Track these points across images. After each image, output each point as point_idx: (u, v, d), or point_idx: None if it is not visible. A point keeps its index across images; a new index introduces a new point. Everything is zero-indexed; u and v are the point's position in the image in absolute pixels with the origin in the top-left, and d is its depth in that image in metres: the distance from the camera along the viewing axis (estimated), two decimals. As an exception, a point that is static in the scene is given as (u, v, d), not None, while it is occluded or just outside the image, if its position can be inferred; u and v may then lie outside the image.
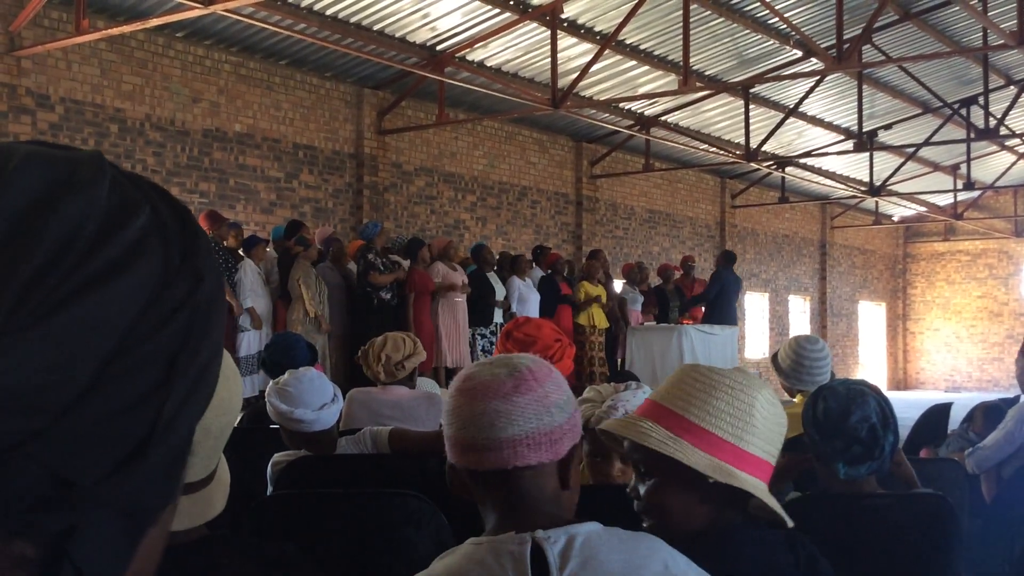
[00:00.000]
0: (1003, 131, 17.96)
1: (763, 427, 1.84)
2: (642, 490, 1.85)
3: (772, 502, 1.81)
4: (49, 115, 10.66)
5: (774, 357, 4.38)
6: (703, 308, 14.81)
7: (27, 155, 0.52)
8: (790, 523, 1.81)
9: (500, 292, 12.53)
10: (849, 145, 19.21)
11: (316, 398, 3.32)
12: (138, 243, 0.52)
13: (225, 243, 10.35)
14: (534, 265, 13.60)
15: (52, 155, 0.53)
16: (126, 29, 10.32)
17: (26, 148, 0.53)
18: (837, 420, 2.62)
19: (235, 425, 1.97)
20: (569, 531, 1.44)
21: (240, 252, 10.57)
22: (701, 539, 1.77)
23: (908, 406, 8.91)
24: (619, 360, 14.03)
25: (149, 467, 0.52)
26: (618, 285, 15.09)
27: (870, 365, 26.42)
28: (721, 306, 14.37)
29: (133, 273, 0.51)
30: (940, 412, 6.68)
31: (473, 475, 1.53)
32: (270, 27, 10.89)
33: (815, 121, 18.94)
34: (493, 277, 12.58)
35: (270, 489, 3.43)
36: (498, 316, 12.35)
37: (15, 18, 10.17)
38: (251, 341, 10.13)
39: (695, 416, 1.80)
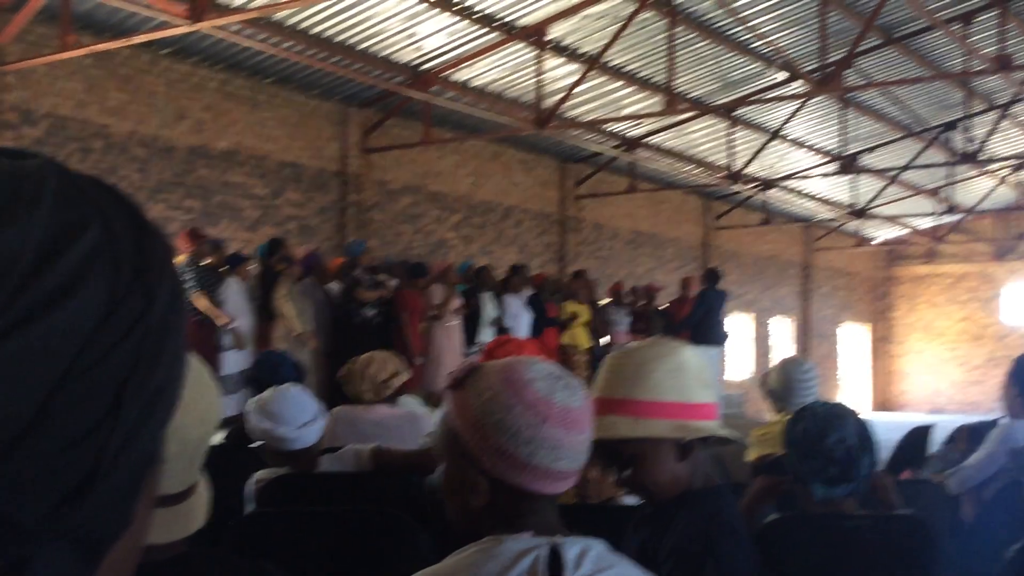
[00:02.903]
0: (984, 155, 18.11)
1: (698, 377, 2.07)
2: (627, 475, 2.04)
3: (726, 433, 2.13)
4: (33, 131, 10.63)
5: (763, 379, 4.46)
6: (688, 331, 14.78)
7: None
8: (734, 438, 2.23)
9: (489, 311, 12.54)
10: (832, 168, 19.34)
11: (298, 415, 3.31)
12: (81, 268, 0.49)
13: (207, 260, 10.24)
14: (523, 285, 13.59)
15: None
16: (112, 45, 10.31)
17: None
18: (814, 440, 2.64)
19: (216, 442, 1.97)
20: (584, 542, 1.46)
21: (226, 269, 10.50)
22: (698, 498, 2.03)
23: (890, 428, 8.94)
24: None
25: (96, 499, 0.50)
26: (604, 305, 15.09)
27: (852, 387, 26.49)
28: (708, 327, 14.35)
29: (74, 303, 0.48)
30: (922, 433, 6.70)
31: (521, 493, 1.49)
32: (256, 45, 10.90)
33: (798, 143, 19.05)
34: (488, 296, 12.60)
35: (252, 507, 3.42)
36: (484, 335, 12.35)
37: (0, 33, 10.15)
38: (235, 360, 10.08)
39: (641, 393, 2.01)
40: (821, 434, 2.64)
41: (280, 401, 3.32)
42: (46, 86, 10.77)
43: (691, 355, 2.10)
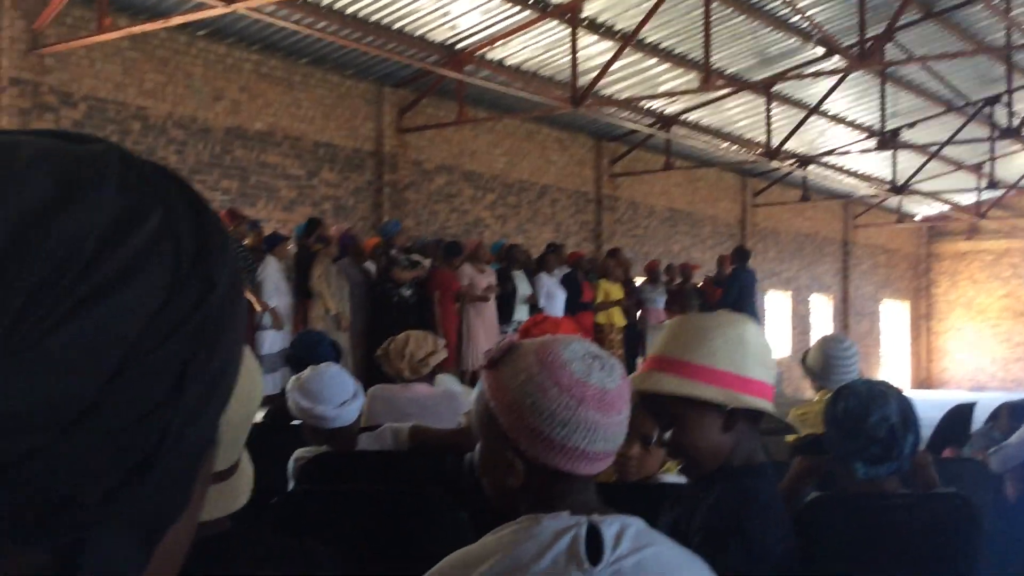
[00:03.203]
0: (1027, 130, 17.82)
1: (757, 354, 2.05)
2: (668, 436, 2.04)
3: (775, 412, 2.07)
4: (72, 112, 10.74)
5: (803, 357, 4.43)
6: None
7: (32, 158, 0.50)
8: (798, 431, 2.23)
9: (523, 289, 12.54)
10: (872, 143, 19.12)
11: (337, 394, 3.33)
12: (144, 252, 0.49)
13: (246, 241, 10.37)
14: (555, 262, 13.57)
15: (59, 156, 0.50)
16: (148, 27, 10.38)
17: (35, 145, 0.51)
18: (856, 420, 2.61)
19: (256, 420, 1.98)
20: (622, 520, 1.45)
21: (263, 249, 10.58)
22: (735, 474, 2.01)
23: (931, 406, 8.85)
24: (639, 359, 14.01)
25: (156, 481, 0.50)
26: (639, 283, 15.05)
27: (893, 365, 26.28)
28: (742, 307, 14.25)
29: (137, 285, 0.48)
30: (964, 411, 6.64)
31: (556, 474, 1.48)
32: (291, 26, 10.93)
33: (837, 119, 18.85)
34: (518, 275, 12.60)
35: (292, 485, 3.45)
36: (520, 313, 12.35)
37: (39, 16, 10.24)
38: (273, 340, 10.16)
39: (697, 358, 2.00)
40: (864, 413, 2.60)
41: (319, 380, 3.33)
42: (84, 68, 10.86)
43: (754, 331, 2.09)
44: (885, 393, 2.65)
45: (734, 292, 14.33)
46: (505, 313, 12.25)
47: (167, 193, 0.53)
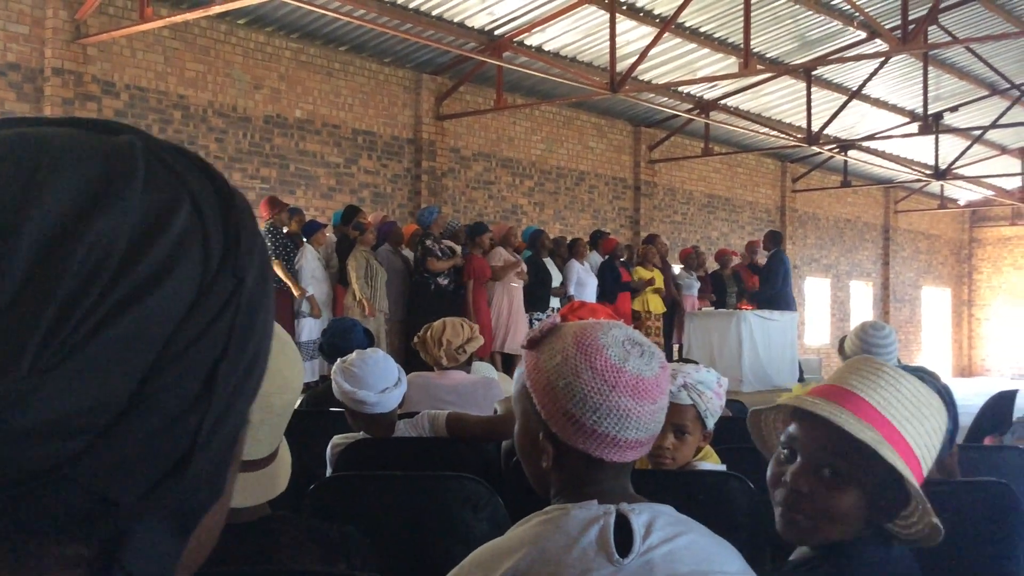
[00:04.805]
0: (1074, 113, 17.53)
1: (935, 449, 1.69)
2: (805, 483, 1.63)
3: (936, 521, 1.63)
4: (114, 102, 10.85)
5: (840, 344, 4.39)
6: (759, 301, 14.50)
7: (58, 159, 0.49)
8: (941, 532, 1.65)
9: (556, 277, 12.52)
10: (914, 128, 18.86)
11: (379, 381, 3.34)
12: (173, 252, 0.49)
13: (286, 229, 10.44)
14: (592, 250, 13.55)
15: (85, 154, 0.50)
16: (189, 16, 10.46)
17: (61, 142, 0.51)
18: (896, 407, 2.58)
19: (296, 407, 2.00)
20: (652, 508, 1.43)
21: (301, 237, 10.65)
22: (833, 548, 1.65)
23: (973, 393, 8.76)
24: (676, 346, 13.96)
25: (193, 475, 0.51)
26: (676, 270, 14.99)
27: (934, 351, 26.00)
28: (785, 291, 14.09)
29: (168, 287, 0.48)
30: (1006, 399, 6.55)
31: (588, 460, 1.45)
32: (330, 13, 10.96)
33: (879, 103, 18.63)
34: (549, 262, 12.58)
35: (329, 471, 3.48)
36: (555, 301, 12.34)
37: (81, 6, 10.35)
38: (311, 327, 10.22)
39: (908, 432, 1.63)
40: (902, 400, 2.57)
41: (363, 365, 3.34)
42: (126, 58, 10.97)
43: (941, 413, 1.73)
44: (922, 380, 2.62)
45: (780, 275, 14.07)
46: (536, 301, 12.21)
47: (193, 185, 0.53)
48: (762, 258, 14.72)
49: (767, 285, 14.14)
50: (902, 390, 1.67)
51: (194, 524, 0.54)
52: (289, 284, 10.07)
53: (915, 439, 1.63)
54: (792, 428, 1.68)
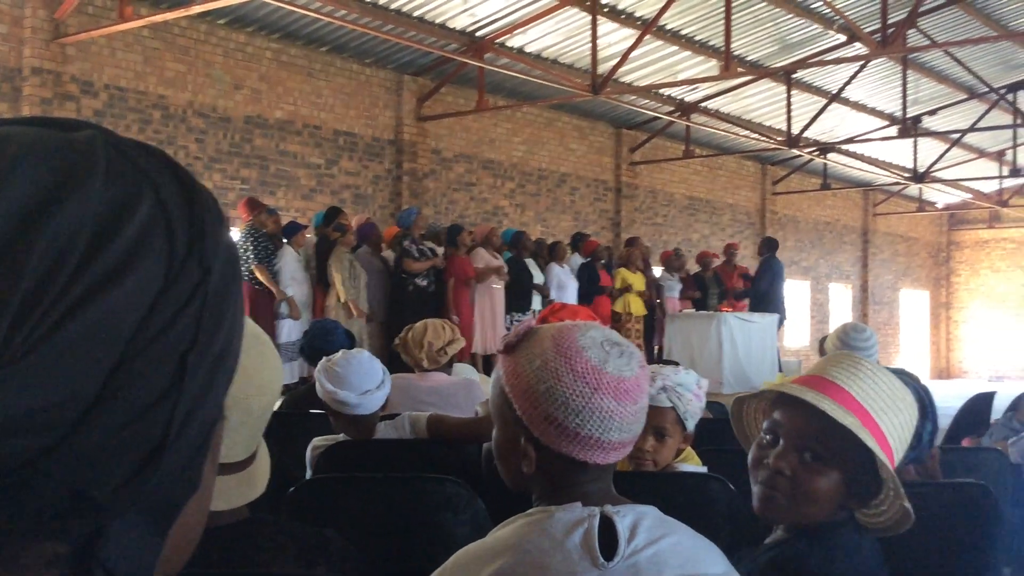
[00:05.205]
0: (1051, 117, 17.66)
1: (906, 432, 1.78)
2: (786, 464, 1.72)
3: (907, 505, 1.72)
4: (93, 102, 10.79)
5: (821, 345, 4.41)
6: (749, 300, 14.62)
7: (18, 153, 0.49)
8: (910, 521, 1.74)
9: (538, 278, 12.53)
10: (893, 131, 18.98)
11: (362, 382, 3.32)
12: (137, 243, 0.49)
13: (265, 230, 10.40)
14: (573, 252, 13.58)
15: (45, 148, 0.50)
16: (169, 16, 10.41)
17: (21, 138, 0.50)
18: (875, 409, 2.59)
19: (275, 408, 1.99)
20: (637, 509, 1.42)
21: (281, 238, 10.62)
22: (807, 530, 1.74)
23: (951, 395, 8.82)
24: (656, 348, 14.00)
25: (167, 468, 0.50)
26: (657, 272, 15.02)
27: (912, 353, 26.15)
28: (773, 296, 14.21)
29: (132, 278, 0.48)
30: (983, 401, 6.60)
31: (571, 462, 1.44)
32: (311, 13, 10.94)
33: (858, 107, 18.74)
34: (531, 263, 12.59)
35: (309, 473, 3.46)
36: (536, 302, 12.35)
37: (60, 5, 10.29)
38: (291, 328, 10.19)
39: (885, 422, 1.72)
40: (882, 402, 2.59)
41: (347, 365, 3.33)
42: (105, 57, 10.91)
43: (915, 415, 1.82)
44: (903, 382, 2.64)
45: (766, 280, 14.24)
46: (518, 302, 12.23)
47: (156, 178, 0.52)
48: (743, 260, 14.85)
49: (752, 286, 14.39)
50: (879, 384, 1.76)
51: (172, 520, 0.54)
52: (270, 285, 10.04)
53: (889, 430, 1.72)
54: (776, 414, 1.78)
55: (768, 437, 1.78)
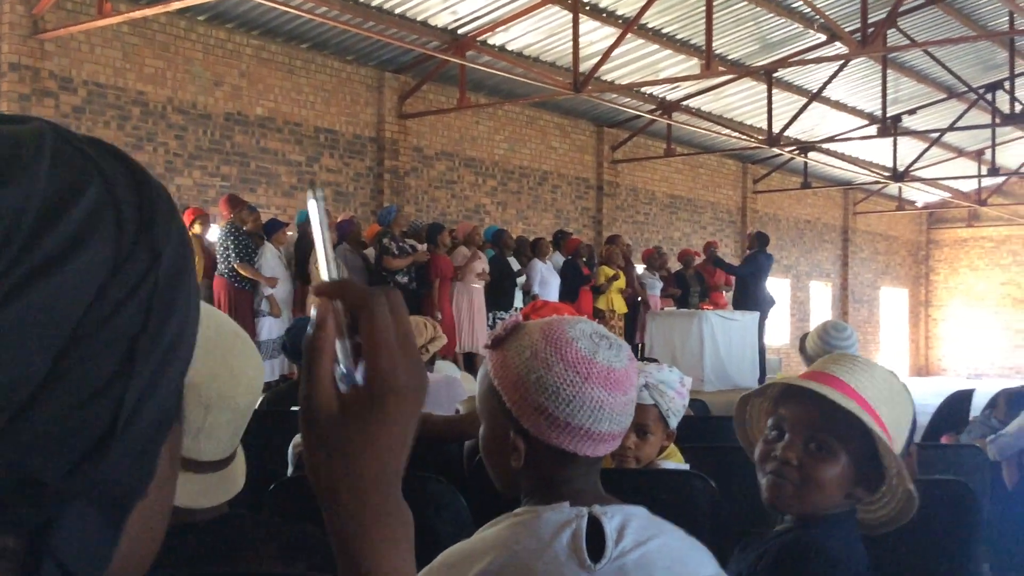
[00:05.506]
0: (1029, 116, 17.77)
1: (903, 423, 1.88)
2: (794, 455, 1.80)
3: (911, 487, 1.81)
4: (72, 98, 10.71)
5: (801, 343, 4.43)
6: (731, 291, 14.63)
7: None
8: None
9: (518, 275, 12.52)
10: (873, 130, 19.08)
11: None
12: (84, 226, 0.49)
13: (246, 227, 10.34)
14: (554, 250, 13.58)
15: None
16: (148, 12, 10.35)
17: None
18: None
19: (256, 407, 1.98)
20: (625, 510, 1.41)
21: (262, 236, 10.57)
22: (815, 520, 1.81)
23: (930, 392, 8.88)
24: (638, 345, 14.02)
25: (118, 454, 0.50)
26: (639, 270, 15.05)
27: (892, 351, 26.30)
28: (756, 290, 14.18)
29: (79, 260, 0.48)
30: (962, 399, 6.64)
31: (560, 455, 1.43)
32: (292, 10, 10.89)
33: (839, 106, 18.82)
34: (513, 260, 12.59)
35: (291, 470, 3.45)
36: (518, 300, 12.35)
37: (39, 1, 10.21)
38: (271, 326, 10.16)
39: (885, 415, 1.81)
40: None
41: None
42: (84, 53, 10.83)
43: (911, 411, 1.94)
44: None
45: (748, 269, 14.23)
46: (500, 299, 12.23)
47: (105, 166, 0.52)
48: (724, 259, 14.87)
49: (734, 271, 14.41)
50: (876, 377, 1.85)
51: (126, 512, 0.53)
52: (257, 278, 10.03)
53: (889, 420, 1.81)
54: (781, 410, 1.86)
55: (774, 432, 1.86)
